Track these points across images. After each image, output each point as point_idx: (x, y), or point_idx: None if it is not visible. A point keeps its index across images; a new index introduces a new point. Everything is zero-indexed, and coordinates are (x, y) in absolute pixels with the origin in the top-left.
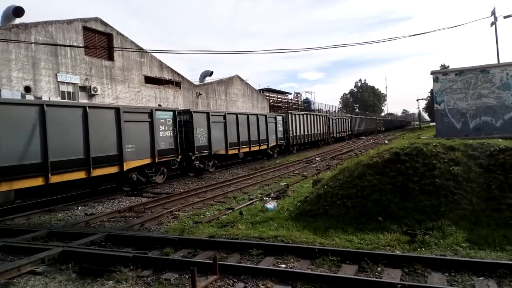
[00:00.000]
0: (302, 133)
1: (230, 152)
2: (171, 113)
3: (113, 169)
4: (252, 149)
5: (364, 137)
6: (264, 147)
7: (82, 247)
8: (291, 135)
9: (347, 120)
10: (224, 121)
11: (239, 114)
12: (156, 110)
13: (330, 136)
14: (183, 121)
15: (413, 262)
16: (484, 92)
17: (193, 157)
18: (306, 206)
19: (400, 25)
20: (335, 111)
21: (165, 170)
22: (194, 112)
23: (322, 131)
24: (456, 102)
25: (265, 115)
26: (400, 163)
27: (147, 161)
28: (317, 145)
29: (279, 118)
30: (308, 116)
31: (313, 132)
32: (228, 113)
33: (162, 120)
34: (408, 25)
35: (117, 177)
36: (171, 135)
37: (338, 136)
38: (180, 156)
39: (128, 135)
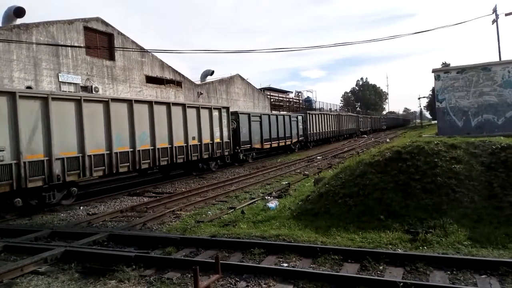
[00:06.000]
0: (101, 144)
1: None
2: (301, 116)
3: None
4: None
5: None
6: None
7: (84, 247)
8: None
9: (294, 120)
10: None
11: None
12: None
13: (240, 148)
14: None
15: (415, 260)
16: (485, 90)
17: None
18: (308, 205)
19: (403, 22)
20: (336, 109)
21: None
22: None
23: (207, 138)
24: (458, 100)
25: None
26: (402, 161)
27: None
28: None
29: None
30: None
31: (168, 143)
32: None
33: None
34: (411, 22)
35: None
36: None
37: (272, 145)
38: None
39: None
